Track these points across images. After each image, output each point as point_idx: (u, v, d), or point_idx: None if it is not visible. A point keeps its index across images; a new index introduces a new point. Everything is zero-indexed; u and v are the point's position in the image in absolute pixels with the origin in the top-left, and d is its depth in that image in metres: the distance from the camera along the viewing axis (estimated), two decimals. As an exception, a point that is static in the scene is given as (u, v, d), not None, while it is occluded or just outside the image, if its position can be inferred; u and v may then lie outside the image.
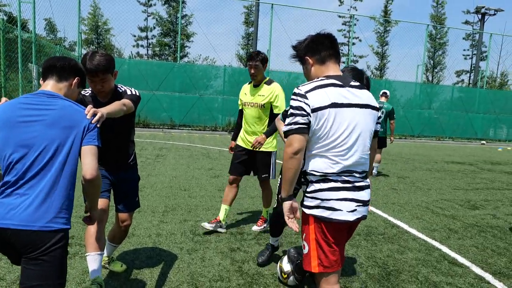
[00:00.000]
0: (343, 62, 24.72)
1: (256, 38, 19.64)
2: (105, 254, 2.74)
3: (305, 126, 1.68)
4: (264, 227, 3.91)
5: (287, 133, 1.70)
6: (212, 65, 21.08)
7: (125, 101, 2.19)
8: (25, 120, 1.58)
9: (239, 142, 3.84)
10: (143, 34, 23.25)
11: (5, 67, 10.69)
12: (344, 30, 26.34)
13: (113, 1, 30.23)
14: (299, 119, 1.68)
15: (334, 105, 1.70)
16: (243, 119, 3.83)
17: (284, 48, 19.92)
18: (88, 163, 1.61)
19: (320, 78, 1.78)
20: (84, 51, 18.11)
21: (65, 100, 1.68)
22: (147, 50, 23.69)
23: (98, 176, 1.64)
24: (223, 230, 3.75)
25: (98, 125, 1.71)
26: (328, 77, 1.78)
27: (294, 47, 1.97)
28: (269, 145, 3.70)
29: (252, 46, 20.79)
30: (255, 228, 3.91)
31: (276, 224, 3.10)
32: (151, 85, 16.31)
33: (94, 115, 1.70)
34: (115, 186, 2.56)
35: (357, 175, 1.78)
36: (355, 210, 1.76)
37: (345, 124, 1.71)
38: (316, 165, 1.75)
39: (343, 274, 2.97)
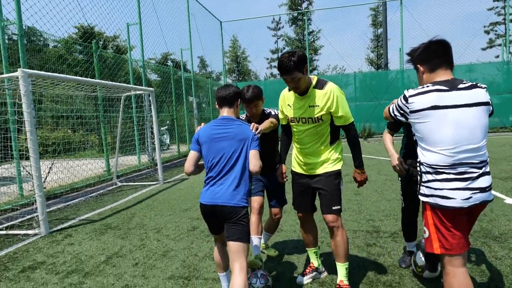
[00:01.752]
0: (499, 45, 20.98)
1: (386, 38, 18.89)
2: (263, 241, 3.50)
3: (396, 118, 2.19)
4: None
5: (387, 114, 2.29)
6: (342, 74, 21.22)
7: (272, 119, 2.91)
8: (218, 137, 2.41)
9: (295, 167, 2.89)
10: (275, 56, 25.31)
11: (175, 101, 13.57)
12: (497, 7, 22.46)
13: (248, 32, 33.99)
14: (396, 113, 2.18)
15: (435, 107, 1.94)
16: (294, 138, 2.85)
17: (419, 43, 18.45)
18: (253, 162, 2.36)
19: (427, 85, 2.02)
20: (228, 80, 20.98)
21: (237, 121, 2.47)
22: (279, 69, 25.63)
23: (260, 169, 2.38)
24: (324, 274, 3.06)
25: (258, 136, 2.44)
26: (434, 83, 2.01)
27: (409, 54, 2.25)
28: (336, 161, 2.71)
29: (383, 47, 20.01)
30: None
31: (408, 227, 3.19)
32: (285, 101, 17.60)
33: (256, 129, 2.43)
34: (267, 187, 3.28)
35: (473, 165, 1.93)
36: (470, 197, 1.92)
37: (449, 123, 1.92)
38: (428, 158, 2.01)
39: (479, 267, 2.90)
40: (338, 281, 2.71)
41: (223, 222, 2.39)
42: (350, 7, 21.15)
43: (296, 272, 3.16)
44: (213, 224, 2.51)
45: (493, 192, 5.47)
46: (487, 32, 23.05)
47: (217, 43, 19.95)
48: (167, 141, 15.42)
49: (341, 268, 2.71)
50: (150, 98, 8.53)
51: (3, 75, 5.10)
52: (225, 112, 2.53)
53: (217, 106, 2.58)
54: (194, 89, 15.44)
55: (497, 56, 23.14)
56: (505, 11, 20.61)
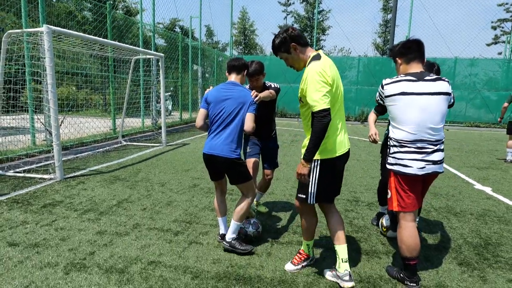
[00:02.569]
0: (502, 42, 21.08)
1: (394, 25, 18.93)
2: (256, 199, 4.03)
3: (378, 102, 2.74)
4: (302, 265, 2.76)
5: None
6: (347, 56, 21.36)
7: (271, 91, 3.37)
8: (223, 98, 2.90)
9: None
10: (283, 32, 25.20)
11: (181, 68, 13.84)
12: (507, 3, 22.39)
13: (258, 4, 33.51)
14: (378, 98, 2.67)
15: (403, 93, 2.41)
16: None
17: (427, 31, 18.55)
18: (248, 123, 2.87)
19: (401, 75, 2.49)
20: (234, 52, 21.06)
21: (241, 86, 2.96)
22: (286, 46, 25.60)
23: (252, 130, 2.90)
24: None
25: (256, 102, 2.93)
26: (407, 74, 2.48)
27: (390, 50, 2.75)
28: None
29: (390, 33, 20.07)
30: (289, 267, 2.77)
31: (382, 193, 3.77)
32: (288, 78, 17.91)
33: (255, 96, 2.92)
34: (262, 151, 3.77)
35: (430, 143, 2.42)
36: (424, 167, 2.42)
37: (414, 107, 2.39)
38: (396, 135, 2.49)
39: (435, 234, 3.46)
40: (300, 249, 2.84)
41: (221, 169, 2.98)
42: (363, -11, 20.97)
43: (282, 225, 3.70)
44: (213, 171, 3.06)
45: (467, 178, 6.04)
46: (494, 28, 23.12)
47: (226, 14, 19.94)
48: (170, 107, 15.78)
49: (303, 243, 2.81)
50: (159, 63, 8.85)
51: (26, 30, 5.44)
52: (233, 78, 3.02)
53: (227, 74, 3.05)
54: (201, 58, 15.65)
55: (500, 53, 23.32)
56: (515, 7, 20.61)
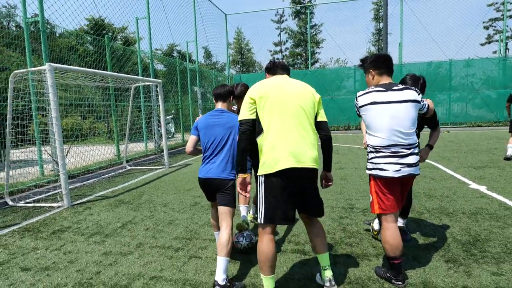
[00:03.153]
0: (496, 41, 21.34)
1: (386, 33, 19.25)
2: (251, 213, 4.21)
3: (357, 113, 2.84)
4: None
5: None
6: (344, 67, 21.72)
7: None
8: (212, 124, 3.08)
9: None
10: (278, 48, 25.81)
11: (180, 91, 14.24)
12: (497, 3, 22.72)
13: (252, 23, 34.37)
14: (356, 109, 2.83)
15: (373, 103, 2.63)
16: None
17: (419, 36, 18.84)
18: None
19: (372, 87, 2.72)
20: (232, 71, 21.55)
21: (228, 112, 3.14)
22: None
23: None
24: None
25: None
26: (377, 85, 2.71)
27: (362, 60, 2.96)
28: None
29: (383, 41, 20.42)
30: None
31: None
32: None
33: None
34: (254, 167, 3.97)
35: (403, 147, 2.61)
36: (399, 170, 2.60)
37: (384, 115, 2.60)
38: (372, 141, 2.69)
39: (425, 234, 3.59)
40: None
41: (216, 191, 3.05)
42: (353, 1, 21.50)
43: (277, 238, 3.87)
44: (208, 193, 3.18)
45: (463, 178, 6.15)
46: (486, 28, 23.46)
47: (221, 35, 20.50)
48: (172, 130, 16.14)
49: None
50: (157, 89, 9.20)
51: (31, 69, 5.79)
52: (219, 105, 3.20)
53: (214, 101, 3.26)
54: (199, 80, 16.08)
55: (495, 52, 23.54)
56: (504, 7, 20.91)
